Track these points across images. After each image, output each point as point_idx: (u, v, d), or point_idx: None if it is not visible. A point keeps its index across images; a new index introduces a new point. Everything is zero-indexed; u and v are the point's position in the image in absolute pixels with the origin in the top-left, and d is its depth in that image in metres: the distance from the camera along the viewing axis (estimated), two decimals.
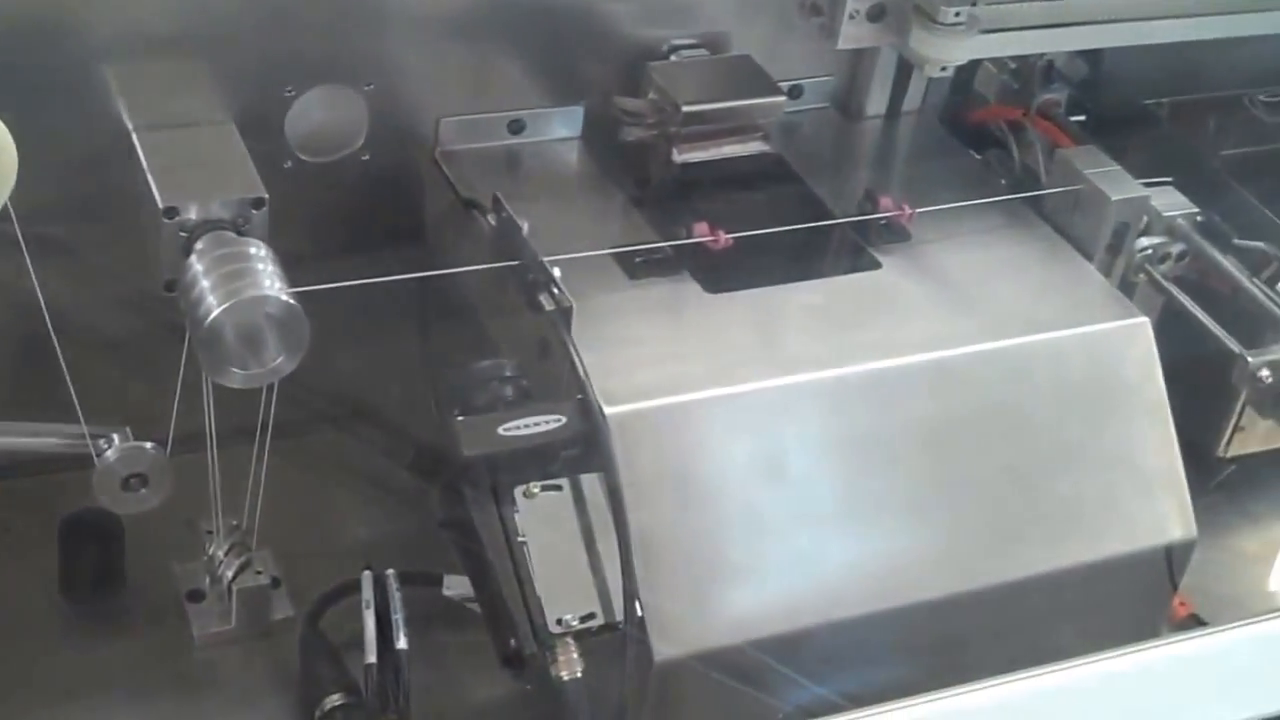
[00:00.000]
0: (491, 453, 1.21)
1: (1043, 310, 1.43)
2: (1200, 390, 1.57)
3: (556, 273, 1.29)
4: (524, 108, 1.55)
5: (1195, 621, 1.55)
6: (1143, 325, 1.43)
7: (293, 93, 1.44)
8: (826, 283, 1.43)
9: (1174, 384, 1.51)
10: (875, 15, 1.50)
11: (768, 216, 1.46)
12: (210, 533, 1.41)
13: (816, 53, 1.62)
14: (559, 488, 1.24)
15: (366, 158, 1.50)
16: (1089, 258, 1.51)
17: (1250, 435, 1.68)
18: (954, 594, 1.34)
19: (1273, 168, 1.79)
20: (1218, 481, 1.70)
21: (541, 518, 1.22)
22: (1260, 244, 1.56)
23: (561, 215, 1.46)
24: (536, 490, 1.23)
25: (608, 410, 1.24)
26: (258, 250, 1.26)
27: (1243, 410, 1.64)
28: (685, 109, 1.47)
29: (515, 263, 1.32)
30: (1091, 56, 1.73)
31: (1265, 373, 1.47)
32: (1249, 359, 1.47)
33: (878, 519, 1.34)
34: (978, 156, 1.73)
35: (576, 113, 1.57)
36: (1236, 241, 1.57)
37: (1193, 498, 1.46)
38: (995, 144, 1.71)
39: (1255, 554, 1.72)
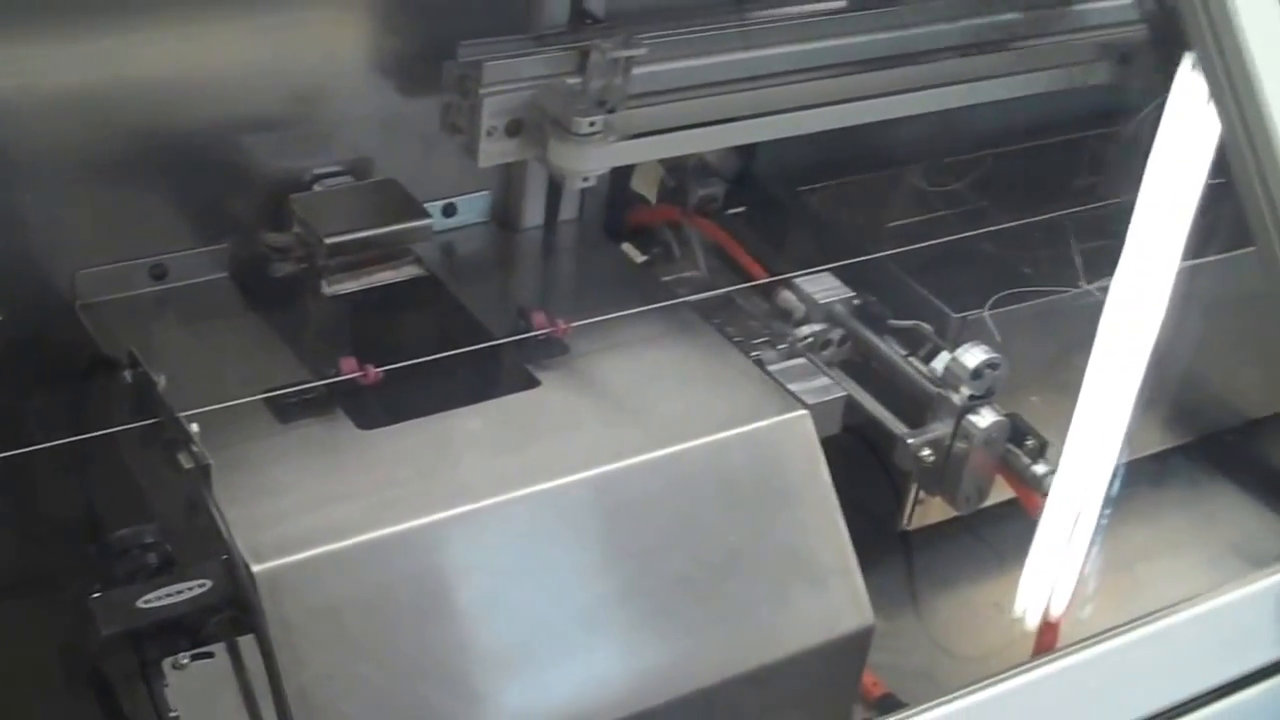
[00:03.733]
0: (132, 628, 1.16)
1: (703, 413, 1.43)
2: (882, 468, 1.60)
3: (194, 429, 1.25)
4: (166, 251, 1.51)
5: (891, 700, 1.56)
6: (803, 418, 1.44)
7: None
8: (484, 407, 1.41)
9: (861, 464, 1.53)
10: (513, 130, 1.49)
11: (423, 343, 1.43)
12: None
13: (469, 169, 1.60)
14: (211, 655, 1.19)
15: (2, 318, 1.44)
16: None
17: (931, 507, 1.72)
18: (640, 711, 1.33)
19: (936, 237, 1.84)
20: (903, 556, 1.74)
21: (194, 690, 1.17)
22: (916, 322, 1.59)
23: (208, 362, 1.42)
24: (186, 661, 1.18)
25: (255, 568, 1.19)
26: None
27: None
28: (329, 241, 1.45)
29: (153, 421, 1.28)
30: (744, 150, 1.76)
31: (926, 452, 1.50)
32: (908, 440, 1.50)
33: (555, 645, 1.31)
34: (643, 257, 1.74)
35: (221, 252, 1.53)
36: (892, 322, 1.60)
37: (879, 574, 1.48)
38: (658, 244, 1.73)
39: (943, 623, 1.76)
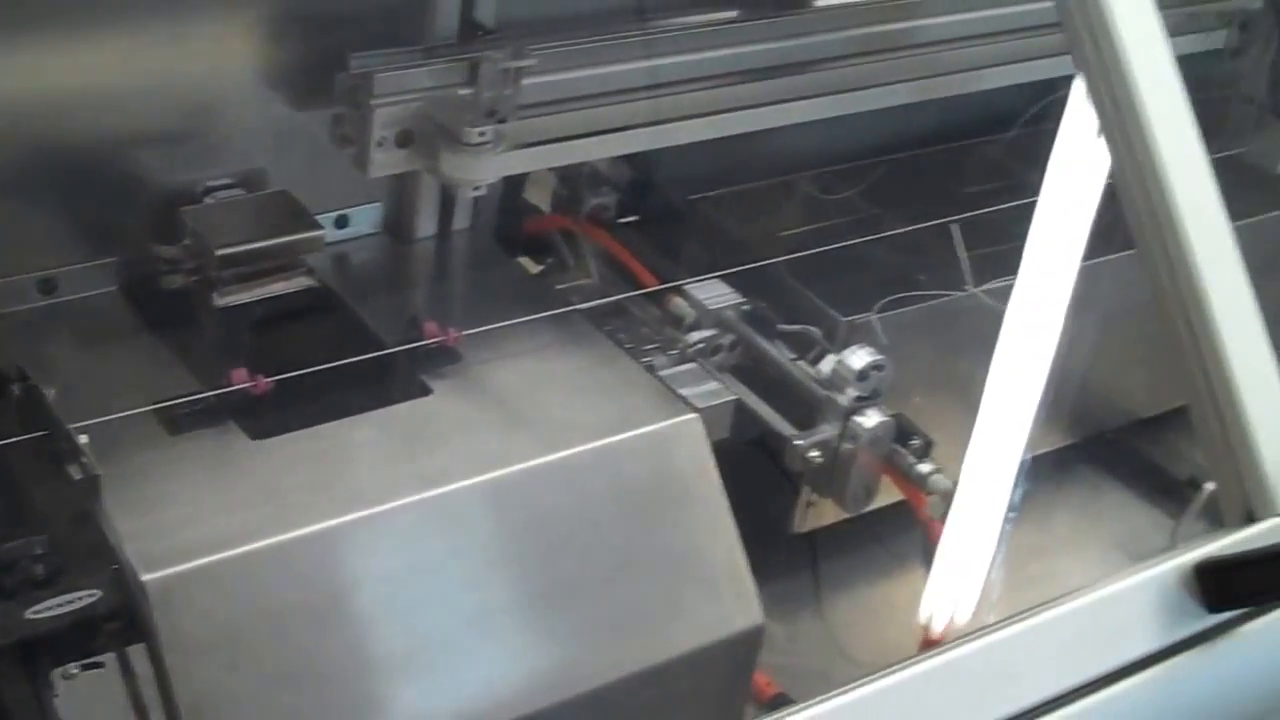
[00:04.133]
0: (20, 639, 1.16)
1: (594, 417, 1.45)
2: (775, 472, 1.62)
3: (83, 440, 1.25)
4: (55, 266, 1.50)
5: (783, 700, 1.59)
6: (693, 421, 1.46)
7: None
8: (377, 415, 1.42)
9: (760, 468, 1.55)
10: (404, 141, 1.50)
11: (316, 353, 1.44)
12: None
13: (361, 180, 1.60)
14: (101, 665, 1.19)
15: None
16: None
17: (823, 509, 1.74)
18: (531, 713, 1.34)
19: (827, 243, 1.87)
20: (800, 558, 1.77)
21: (84, 700, 1.18)
22: (804, 327, 1.62)
23: (99, 375, 1.42)
24: (76, 671, 1.18)
25: (145, 577, 1.20)
26: None
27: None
28: (219, 253, 1.45)
29: (42, 434, 1.28)
30: (636, 159, 1.78)
31: (814, 453, 1.53)
32: (796, 442, 1.52)
33: (447, 650, 1.33)
34: (539, 266, 1.76)
35: (112, 266, 1.53)
36: (781, 327, 1.63)
37: (776, 576, 1.50)
38: (551, 253, 1.75)
39: (840, 624, 1.78)
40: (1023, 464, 1.77)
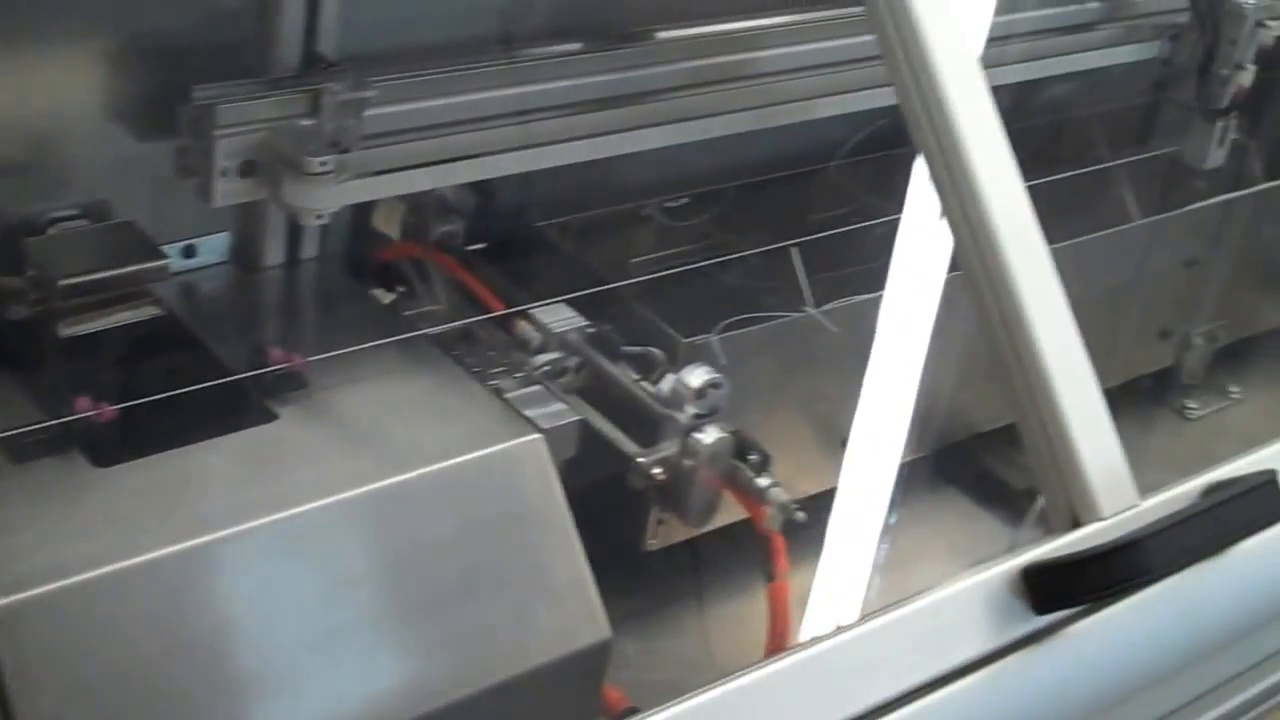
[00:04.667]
0: None
1: (440, 440, 1.48)
2: (626, 491, 1.66)
3: None
4: None
5: (633, 714, 1.62)
6: (537, 442, 1.49)
7: None
8: (222, 441, 1.44)
9: (607, 487, 1.58)
10: (247, 171, 1.53)
11: (162, 382, 1.45)
12: None
13: (208, 210, 1.62)
14: None
15: None
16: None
17: (673, 527, 1.78)
18: None
19: (672, 267, 1.91)
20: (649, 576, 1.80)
21: None
22: (647, 348, 1.66)
23: None
24: None
25: None
26: None
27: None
28: (62, 283, 1.46)
29: None
30: (483, 187, 1.81)
31: (657, 470, 1.57)
32: (639, 459, 1.56)
33: (296, 671, 1.34)
34: (391, 294, 1.78)
35: None
36: (625, 349, 1.67)
37: (627, 593, 1.53)
38: (400, 280, 1.77)
39: (693, 639, 1.82)
40: (875, 477, 1.83)
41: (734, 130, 1.81)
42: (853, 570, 1.86)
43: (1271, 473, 1.53)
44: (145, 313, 1.52)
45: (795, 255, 1.85)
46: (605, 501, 1.62)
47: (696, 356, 1.68)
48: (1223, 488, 1.53)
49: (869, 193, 2.03)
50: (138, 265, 1.51)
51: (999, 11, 1.92)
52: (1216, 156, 2.37)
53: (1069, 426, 1.48)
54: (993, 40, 1.92)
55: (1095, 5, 2.25)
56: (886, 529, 2.01)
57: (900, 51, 1.50)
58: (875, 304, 1.79)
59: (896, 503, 2.05)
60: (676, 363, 1.66)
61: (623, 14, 1.83)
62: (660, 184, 1.98)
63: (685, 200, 2.02)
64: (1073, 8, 2.22)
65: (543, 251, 1.86)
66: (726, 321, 1.74)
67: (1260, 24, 2.25)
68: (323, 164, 1.49)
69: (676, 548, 1.82)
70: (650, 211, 1.97)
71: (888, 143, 1.92)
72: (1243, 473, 1.56)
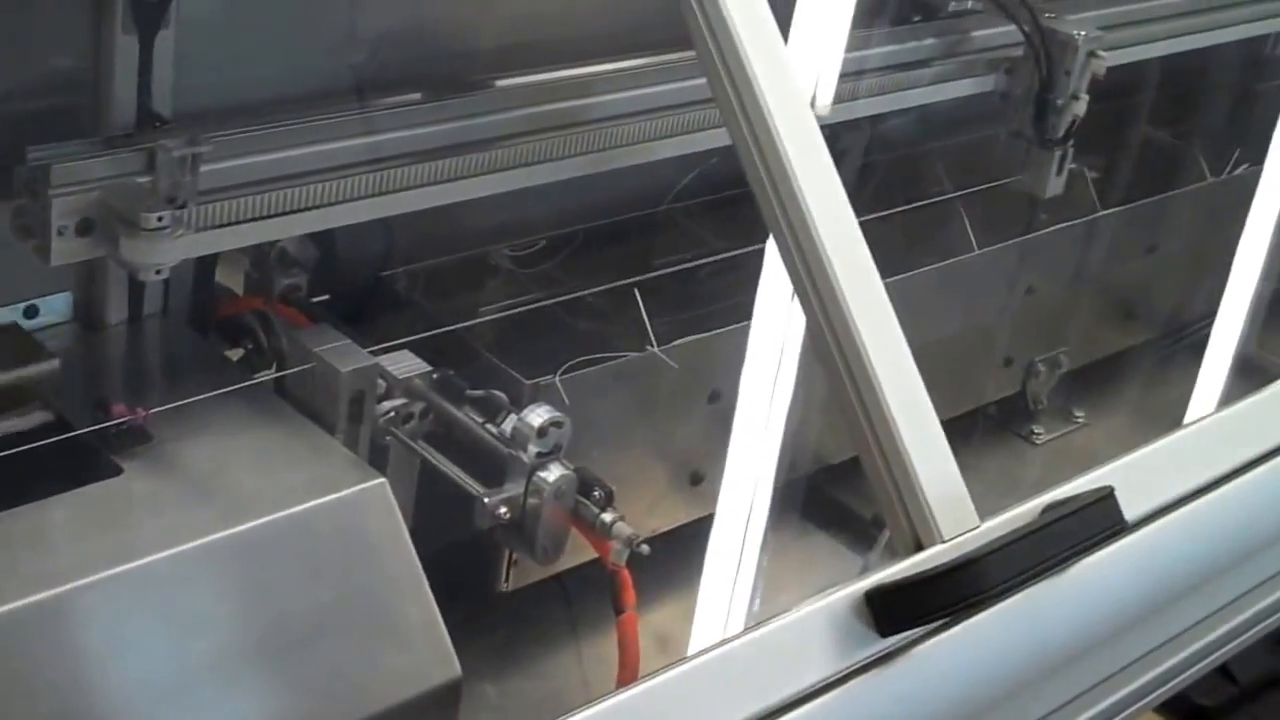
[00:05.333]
0: None
1: (285, 488, 1.49)
2: (479, 534, 1.68)
3: None
4: None
5: None
6: (380, 486, 1.51)
7: None
8: (66, 497, 1.44)
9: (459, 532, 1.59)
10: (84, 229, 1.53)
11: (4, 441, 1.46)
12: None
13: (48, 270, 1.62)
14: None
15: None
16: (332, 430, 1.60)
17: (527, 568, 1.80)
18: None
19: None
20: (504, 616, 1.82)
21: None
22: (489, 391, 1.69)
23: None
24: None
25: None
26: None
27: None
28: None
29: None
30: (324, 238, 1.82)
31: (503, 510, 1.59)
32: (485, 499, 1.58)
33: None
34: (237, 348, 1.79)
35: None
36: (469, 393, 1.69)
37: (482, 634, 1.55)
38: (245, 334, 1.78)
39: (546, 677, 1.84)
40: (728, 511, 1.85)
41: (573, 174, 1.84)
42: (707, 603, 1.89)
43: (1109, 489, 1.56)
44: (36, 419, 1.53)
45: (637, 295, 1.88)
46: (460, 545, 1.64)
47: (541, 398, 1.71)
48: (1061, 505, 1.56)
49: (713, 232, 2.07)
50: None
51: (839, 50, 1.97)
52: (1056, 185, 2.43)
53: (907, 454, 1.50)
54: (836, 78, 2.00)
55: (932, 42, 2.32)
56: (740, 561, 2.04)
57: (730, 93, 1.54)
58: (718, 340, 1.83)
59: (750, 535, 2.09)
60: (521, 404, 1.68)
61: (463, 63, 1.86)
62: (506, 230, 2.00)
63: (533, 246, 2.04)
64: (910, 44, 2.28)
65: (388, 301, 1.87)
66: (571, 362, 1.77)
67: (1092, 54, 2.32)
68: (159, 220, 1.50)
69: (532, 588, 1.84)
70: (496, 259, 1.99)
71: (732, 181, 1.95)
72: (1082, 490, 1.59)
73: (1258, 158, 2.53)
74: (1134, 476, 1.64)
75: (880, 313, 1.55)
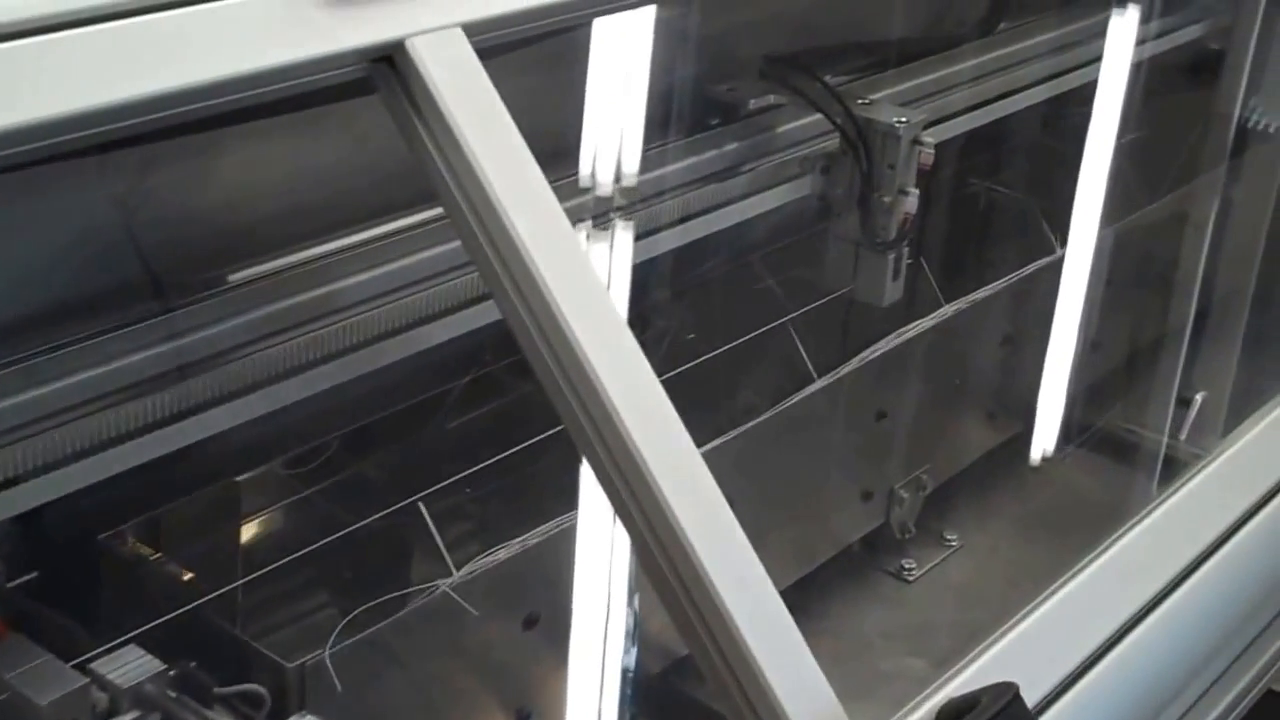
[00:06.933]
0: None
1: None
2: None
3: None
4: None
5: None
6: None
7: None
8: None
9: None
10: None
11: None
12: None
13: None
14: None
15: None
16: None
17: None
18: None
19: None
20: None
21: None
22: (248, 686, 1.32)
23: None
24: None
25: None
26: None
27: None
28: None
29: None
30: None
31: None
32: None
33: None
34: None
35: None
36: (219, 690, 1.32)
37: None
38: None
39: None
40: None
41: (322, 387, 1.48)
42: None
43: (1012, 687, 1.27)
44: None
45: (425, 513, 1.53)
46: None
47: (313, 682, 1.35)
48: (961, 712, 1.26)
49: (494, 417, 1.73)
50: None
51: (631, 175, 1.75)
52: (894, 291, 2.14)
53: (760, 668, 1.17)
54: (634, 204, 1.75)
55: (734, 147, 2.02)
56: None
57: (489, 249, 1.19)
58: (524, 560, 1.49)
59: None
60: (287, 696, 1.33)
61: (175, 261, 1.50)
62: (251, 450, 1.62)
63: (305, 464, 1.67)
64: (711, 153, 1.99)
65: (109, 571, 1.48)
66: (348, 618, 1.40)
67: (917, 142, 2.04)
68: None
69: None
70: (237, 491, 1.60)
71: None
72: (978, 685, 1.29)
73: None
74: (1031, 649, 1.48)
75: (703, 491, 1.19)
